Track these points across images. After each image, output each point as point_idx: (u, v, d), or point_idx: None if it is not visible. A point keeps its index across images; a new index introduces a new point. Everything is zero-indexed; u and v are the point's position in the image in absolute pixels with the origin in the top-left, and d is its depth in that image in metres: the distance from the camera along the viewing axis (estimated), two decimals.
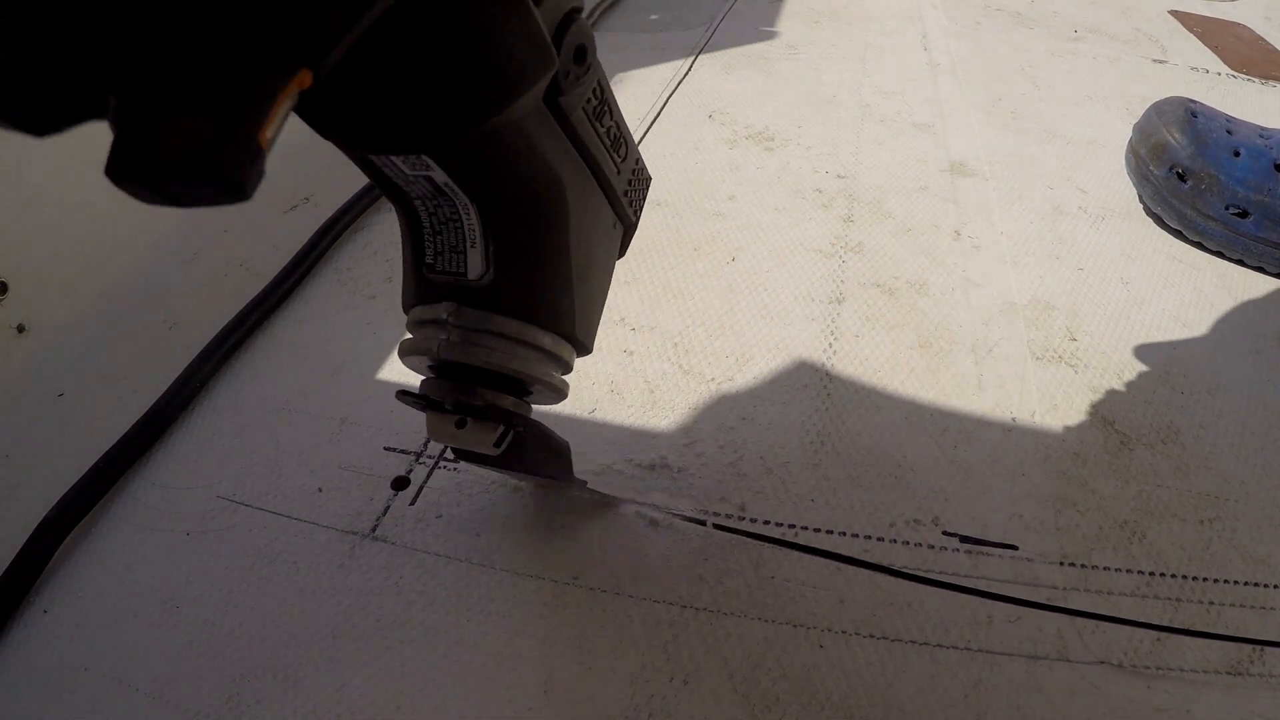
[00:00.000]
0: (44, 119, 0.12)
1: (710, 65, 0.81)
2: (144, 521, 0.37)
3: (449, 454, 0.39)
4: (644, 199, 0.28)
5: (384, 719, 0.30)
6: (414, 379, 0.44)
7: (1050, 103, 0.76)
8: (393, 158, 0.20)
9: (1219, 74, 0.86)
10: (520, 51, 0.18)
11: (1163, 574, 0.36)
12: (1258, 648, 0.33)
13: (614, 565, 0.35)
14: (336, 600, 0.33)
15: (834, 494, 0.38)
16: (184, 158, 0.12)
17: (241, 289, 0.49)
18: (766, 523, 0.37)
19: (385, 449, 0.40)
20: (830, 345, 0.47)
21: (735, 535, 0.36)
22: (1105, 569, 0.36)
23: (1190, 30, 0.97)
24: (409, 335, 0.25)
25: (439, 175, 0.20)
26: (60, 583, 0.35)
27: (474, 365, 0.24)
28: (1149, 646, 0.33)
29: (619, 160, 0.25)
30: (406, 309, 0.25)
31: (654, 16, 0.92)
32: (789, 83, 0.78)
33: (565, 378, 0.27)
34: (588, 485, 0.36)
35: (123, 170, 0.12)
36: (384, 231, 0.56)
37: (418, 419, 0.41)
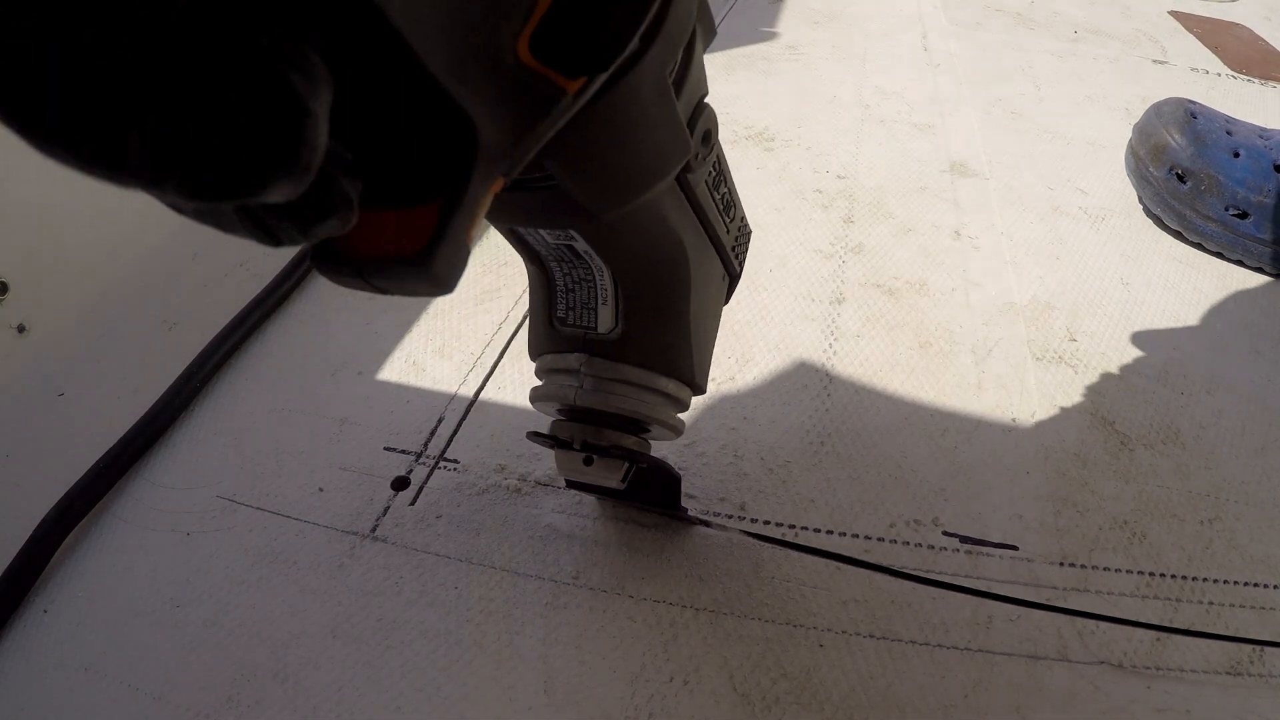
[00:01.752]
0: (310, 221, 0.13)
1: (710, 65, 0.80)
2: (144, 521, 0.37)
3: (449, 454, 0.39)
4: (747, 251, 0.30)
5: (384, 719, 0.30)
6: (422, 384, 0.44)
7: (1050, 103, 0.76)
8: (540, 230, 0.22)
9: (1219, 74, 0.86)
10: (665, 144, 0.20)
11: (1163, 574, 0.36)
12: (1258, 648, 0.33)
13: (614, 565, 0.35)
14: (336, 600, 0.33)
15: (834, 494, 0.38)
16: (412, 254, 0.13)
17: (241, 289, 0.49)
18: (767, 523, 0.37)
19: (385, 449, 0.40)
20: (830, 345, 0.47)
21: (736, 535, 0.36)
22: (1105, 569, 0.36)
23: (1190, 30, 0.97)
24: (540, 382, 0.28)
25: (581, 245, 0.22)
26: (60, 583, 0.35)
27: (604, 410, 0.26)
28: (1149, 646, 0.33)
29: (729, 221, 0.27)
30: (534, 356, 0.28)
31: None
32: (789, 83, 0.78)
33: (680, 416, 0.30)
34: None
35: (333, 261, 0.14)
36: None
37: (418, 419, 0.42)
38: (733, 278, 0.30)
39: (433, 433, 0.41)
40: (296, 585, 0.34)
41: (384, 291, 0.14)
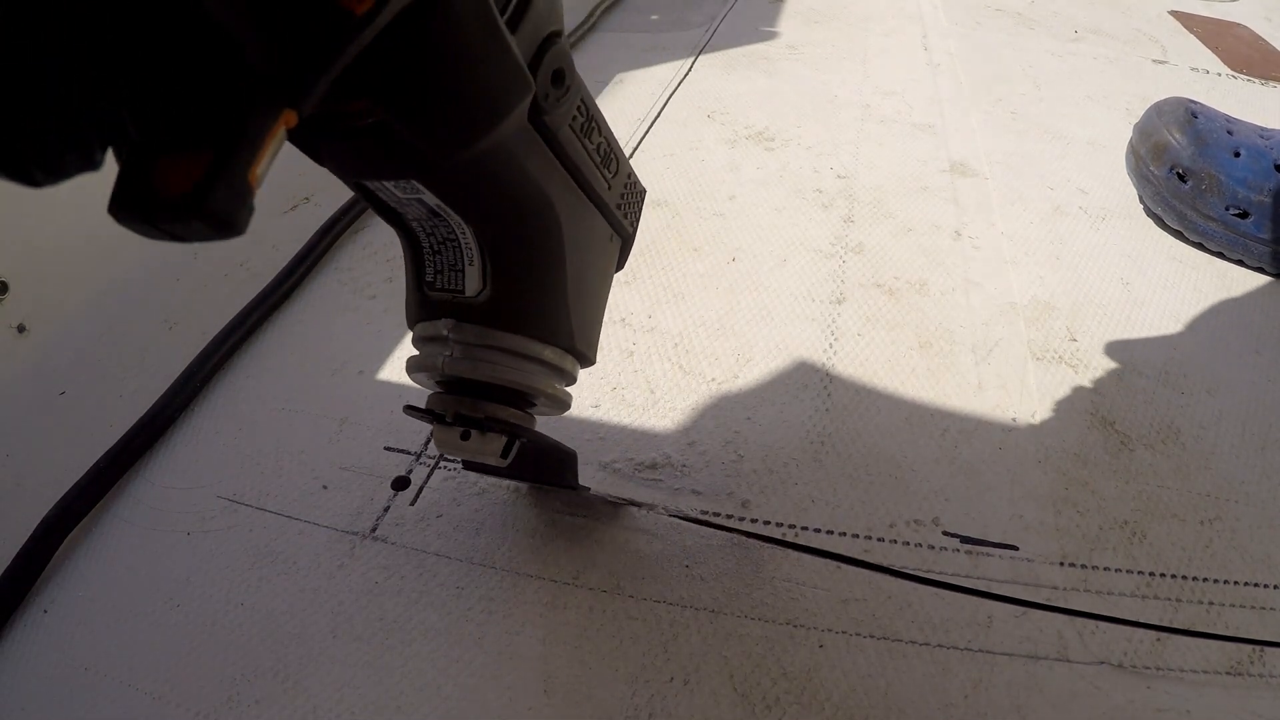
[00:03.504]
0: (47, 166, 0.12)
1: (710, 65, 0.81)
2: (144, 521, 0.37)
3: (449, 455, 0.39)
4: (640, 211, 0.29)
5: (384, 719, 0.30)
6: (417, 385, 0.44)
7: (1050, 103, 0.76)
8: (385, 183, 0.21)
9: (1219, 74, 0.86)
10: (496, 80, 0.18)
11: (1163, 574, 0.36)
12: (1258, 648, 0.33)
13: (614, 565, 0.35)
14: (336, 600, 0.33)
15: (834, 494, 0.38)
16: (179, 196, 0.13)
17: (241, 289, 0.49)
18: (767, 523, 0.37)
19: (385, 449, 0.40)
20: (831, 345, 0.47)
21: (735, 535, 0.36)
22: (1105, 569, 0.36)
23: (1190, 30, 0.97)
24: (415, 352, 0.26)
25: (430, 198, 0.21)
26: (61, 582, 0.35)
27: (477, 380, 0.25)
28: (1149, 647, 0.33)
29: (610, 175, 0.26)
30: (410, 325, 0.26)
31: (654, 16, 0.92)
32: (789, 83, 0.78)
33: (568, 389, 0.28)
34: (591, 490, 0.37)
35: (122, 206, 0.13)
36: (384, 232, 0.56)
37: (418, 420, 0.42)
38: (624, 239, 0.28)
39: (433, 433, 0.41)
40: (297, 585, 0.34)
41: (177, 237, 0.14)
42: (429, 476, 0.38)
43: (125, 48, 0.12)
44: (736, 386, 0.44)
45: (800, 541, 0.36)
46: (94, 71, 0.12)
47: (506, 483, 0.38)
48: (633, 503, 0.37)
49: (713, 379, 0.44)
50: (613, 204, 0.26)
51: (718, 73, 0.79)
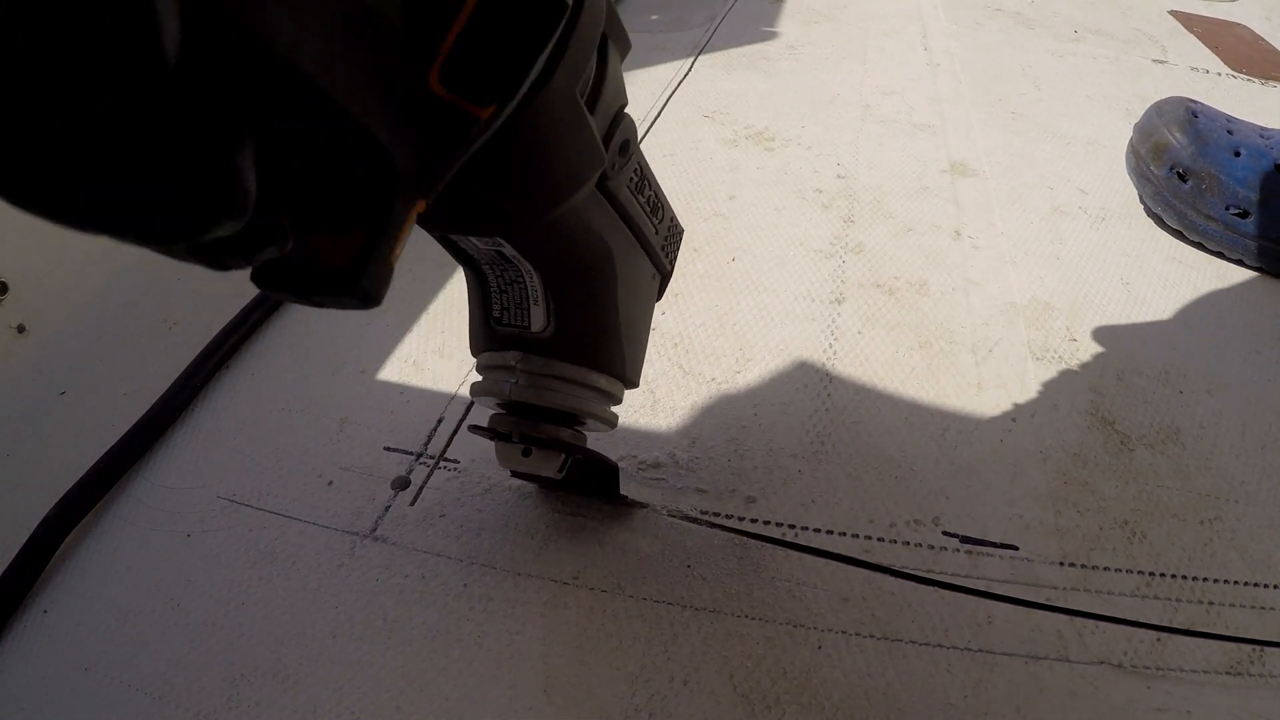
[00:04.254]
0: (251, 250, 0.15)
1: (710, 65, 0.81)
2: (145, 521, 0.37)
3: (449, 454, 0.39)
4: (678, 249, 0.32)
5: (384, 718, 0.30)
6: (422, 384, 0.44)
7: (1050, 103, 0.76)
8: (470, 238, 0.24)
9: (1219, 74, 0.86)
10: (578, 157, 0.21)
11: (1163, 574, 0.36)
12: (1258, 648, 0.33)
13: (614, 565, 0.35)
14: (337, 600, 0.33)
15: (834, 494, 0.38)
16: (337, 271, 0.15)
17: (241, 289, 0.49)
18: (767, 523, 0.37)
19: (385, 449, 0.40)
20: (830, 345, 0.47)
21: (736, 535, 0.36)
22: (1105, 569, 0.36)
23: (1190, 30, 0.97)
24: (479, 378, 0.29)
25: (509, 250, 0.24)
26: (61, 583, 0.35)
27: (540, 405, 0.28)
28: (1149, 646, 0.33)
29: (657, 222, 0.29)
30: (475, 353, 0.29)
31: (654, 17, 0.92)
32: (789, 83, 0.78)
33: (614, 409, 0.31)
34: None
35: (273, 279, 0.15)
36: None
37: (418, 419, 0.42)
38: (664, 276, 0.31)
39: (433, 433, 0.41)
40: (297, 585, 0.34)
41: (320, 305, 0.16)
42: (429, 476, 0.38)
43: (300, 152, 0.14)
44: (737, 386, 0.44)
45: (800, 541, 0.36)
46: (275, 175, 0.14)
47: (508, 483, 0.38)
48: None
49: (713, 379, 0.44)
50: (658, 246, 0.29)
51: (718, 73, 0.79)
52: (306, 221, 0.15)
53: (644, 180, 0.27)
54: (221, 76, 0.12)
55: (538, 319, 0.26)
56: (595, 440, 0.40)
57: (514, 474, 0.35)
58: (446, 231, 0.24)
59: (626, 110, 0.24)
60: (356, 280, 0.15)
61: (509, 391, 0.27)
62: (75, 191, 0.10)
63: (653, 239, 0.29)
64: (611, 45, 0.22)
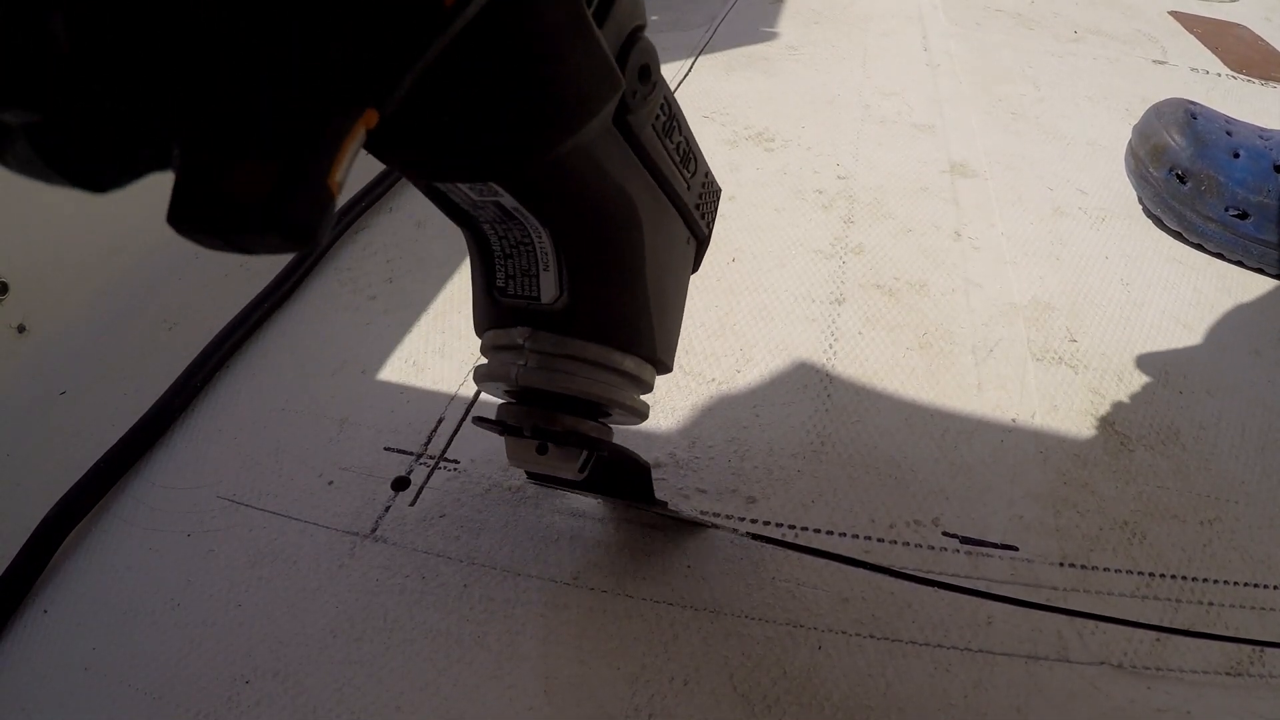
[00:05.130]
0: (106, 172, 0.11)
1: (710, 65, 0.81)
2: (144, 521, 0.37)
3: (449, 455, 0.39)
4: (716, 211, 0.27)
5: (384, 718, 0.30)
6: (422, 384, 0.44)
7: (1050, 103, 0.76)
8: (460, 185, 0.20)
9: (1219, 75, 0.86)
10: (586, 76, 0.17)
11: (1163, 574, 0.36)
12: (1258, 648, 0.33)
13: (614, 565, 0.35)
14: (337, 600, 0.33)
15: (834, 495, 0.38)
16: (250, 205, 0.12)
17: (241, 289, 0.49)
18: (767, 523, 0.37)
19: (385, 449, 0.40)
20: (831, 346, 0.47)
21: (736, 535, 0.36)
22: (1105, 570, 0.36)
23: (1190, 31, 0.97)
24: (484, 360, 0.25)
25: (508, 200, 0.20)
26: (60, 583, 0.35)
27: (553, 391, 0.23)
28: (1149, 647, 0.33)
29: (689, 175, 0.25)
30: (479, 333, 0.25)
31: (654, 17, 0.92)
32: (789, 83, 0.78)
33: (644, 398, 0.27)
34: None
35: (185, 218, 0.12)
36: (385, 231, 0.56)
37: (418, 419, 0.42)
38: (699, 241, 0.27)
39: (433, 433, 0.41)
40: (297, 585, 0.34)
41: (246, 250, 0.12)
42: (429, 476, 0.38)
43: (190, 35, 0.11)
44: (737, 387, 0.44)
45: (800, 541, 0.36)
46: (154, 62, 0.11)
47: (507, 483, 0.38)
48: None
49: (713, 379, 0.44)
50: (691, 205, 0.25)
51: (718, 73, 0.79)
52: (219, 144, 0.12)
53: (673, 121, 0.23)
54: None
55: (548, 288, 0.22)
56: None
57: (531, 476, 0.31)
58: (431, 178, 0.20)
59: (644, 33, 0.20)
60: (279, 209, 0.11)
61: (516, 375, 0.23)
62: None
63: (684, 195, 0.24)
64: None
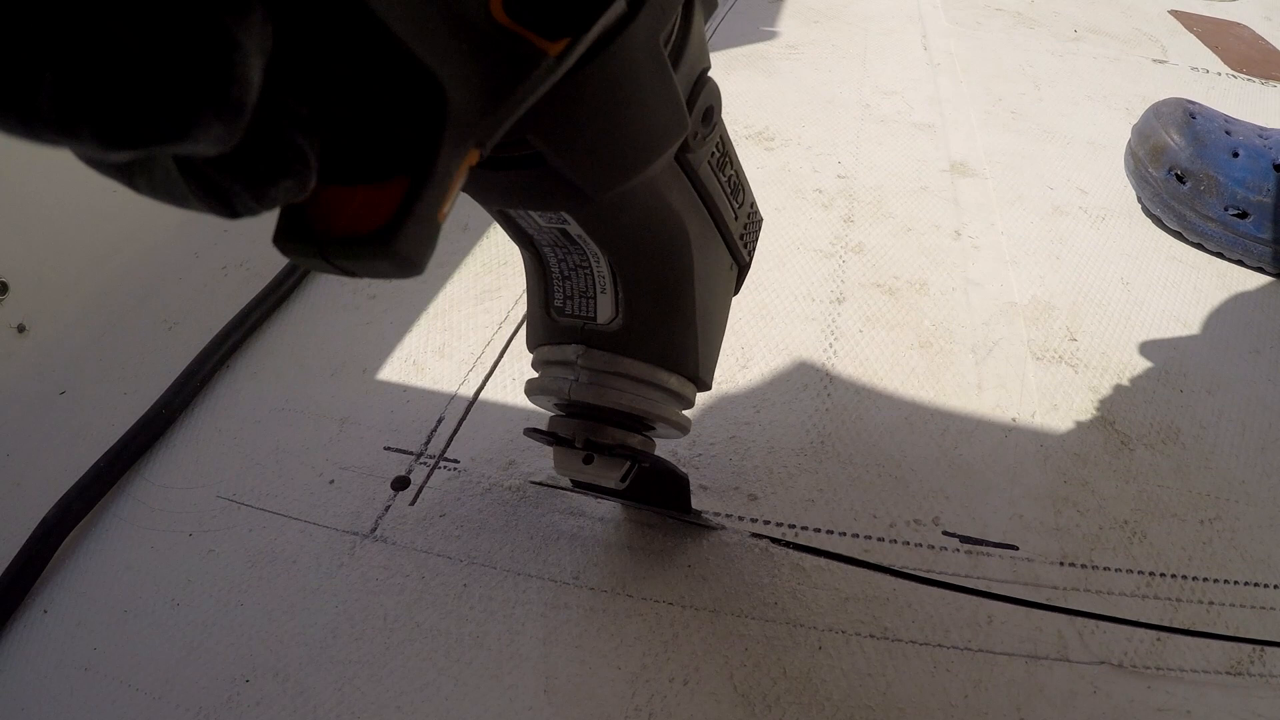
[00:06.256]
0: (242, 198, 0.12)
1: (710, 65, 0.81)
2: (145, 521, 0.37)
3: (449, 454, 0.39)
4: (757, 239, 0.29)
5: (384, 718, 0.30)
6: (422, 384, 0.44)
7: (1050, 103, 0.76)
8: (530, 212, 0.21)
9: (1219, 74, 0.86)
10: (660, 119, 0.18)
11: (1163, 574, 0.36)
12: (1258, 648, 0.33)
13: (614, 565, 0.35)
14: (337, 600, 0.33)
15: (834, 494, 0.38)
16: (367, 233, 0.12)
17: (241, 289, 0.49)
18: (767, 522, 0.37)
19: (385, 449, 0.40)
20: (831, 345, 0.47)
21: (736, 535, 0.36)
22: (1105, 569, 0.36)
23: (1190, 30, 0.97)
24: (536, 374, 0.26)
25: (574, 228, 0.21)
26: (61, 582, 0.35)
27: (603, 406, 0.25)
28: (1149, 646, 0.33)
29: (737, 206, 0.26)
30: (532, 348, 0.26)
31: None
32: (789, 82, 0.78)
33: (686, 413, 0.28)
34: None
35: (293, 238, 0.12)
36: None
37: (418, 418, 0.42)
38: (741, 267, 0.28)
39: (433, 433, 0.41)
40: (297, 585, 0.34)
41: (349, 273, 0.13)
42: (429, 476, 0.38)
43: (323, 74, 0.12)
44: (738, 386, 0.44)
45: (800, 541, 0.36)
46: (292, 96, 0.11)
47: (507, 483, 0.38)
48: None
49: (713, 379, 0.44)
50: (736, 234, 0.26)
51: (718, 73, 0.78)
52: (340, 168, 0.13)
53: (726, 157, 0.24)
54: None
55: (605, 309, 0.23)
56: None
57: (575, 484, 0.33)
58: (505, 205, 0.21)
59: (710, 74, 0.21)
60: (392, 238, 0.12)
61: (569, 390, 0.24)
62: (26, 75, 0.08)
63: (732, 225, 0.26)
64: (697, 1, 0.20)
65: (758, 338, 0.47)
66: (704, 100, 0.21)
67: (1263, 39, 0.97)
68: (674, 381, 0.26)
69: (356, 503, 0.37)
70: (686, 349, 0.25)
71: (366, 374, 0.45)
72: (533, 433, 0.27)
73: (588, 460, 0.26)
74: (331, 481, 0.38)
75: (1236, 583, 0.36)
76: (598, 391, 0.24)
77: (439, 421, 0.41)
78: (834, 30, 0.91)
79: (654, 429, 0.28)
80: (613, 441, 0.26)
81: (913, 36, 0.90)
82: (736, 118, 0.71)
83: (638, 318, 0.24)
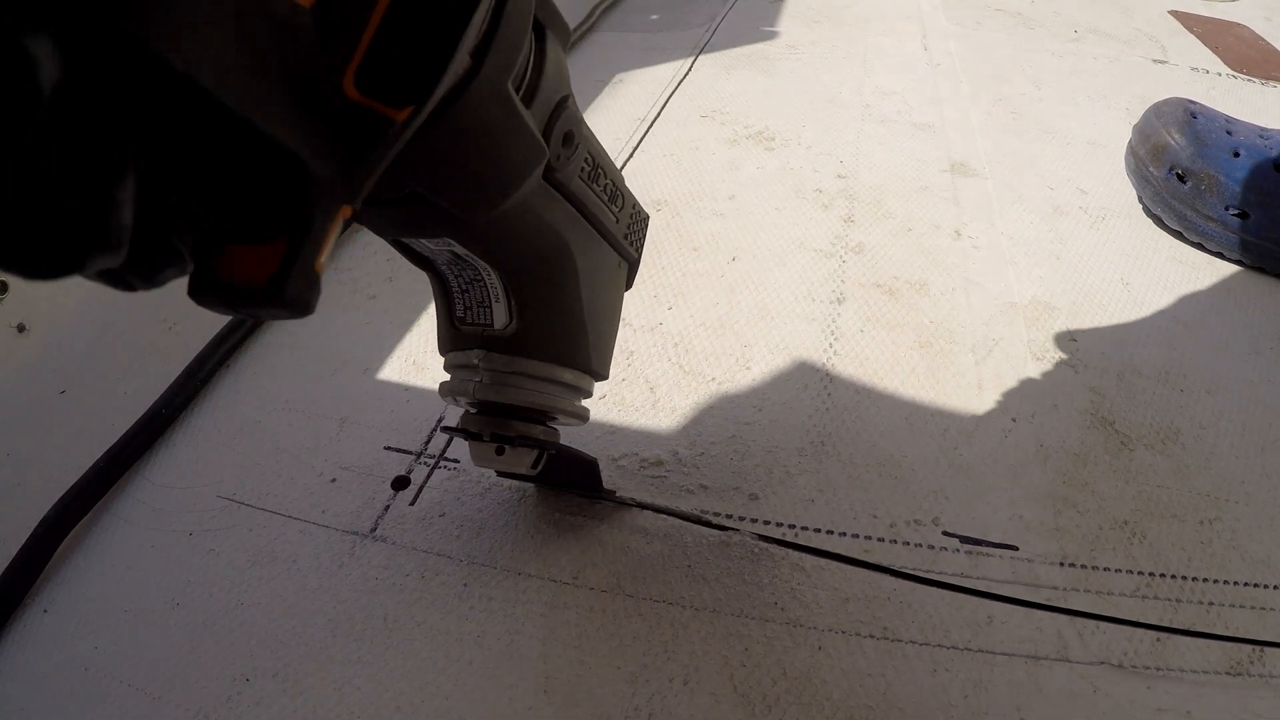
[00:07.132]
0: (149, 274, 0.15)
1: (710, 65, 0.81)
2: (144, 521, 0.37)
3: (449, 454, 0.39)
4: (644, 236, 0.31)
5: (384, 718, 0.30)
6: (422, 384, 0.44)
7: (1050, 103, 0.76)
8: (421, 239, 0.24)
9: (1219, 74, 0.86)
10: (516, 153, 0.21)
11: (1163, 574, 0.36)
12: (1258, 648, 0.33)
13: (614, 565, 0.35)
14: (337, 599, 0.33)
15: (834, 494, 0.38)
16: (258, 286, 0.15)
17: None
18: (767, 523, 0.37)
19: (385, 449, 0.40)
20: (831, 345, 0.47)
21: (736, 535, 0.36)
22: (1105, 569, 0.36)
23: (1190, 30, 0.97)
24: (447, 377, 0.29)
25: (460, 250, 0.24)
26: (61, 582, 0.35)
27: (505, 402, 0.27)
28: (1149, 647, 0.33)
29: (616, 210, 0.28)
30: (442, 354, 0.29)
31: (654, 16, 0.92)
32: (789, 82, 0.78)
33: (585, 403, 0.31)
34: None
35: (203, 292, 0.15)
36: None
37: (418, 418, 0.42)
38: (630, 263, 0.31)
39: (433, 432, 0.41)
40: (297, 585, 0.34)
41: (254, 317, 0.16)
42: (429, 476, 0.38)
43: (204, 167, 0.14)
44: (737, 386, 0.44)
45: (800, 541, 0.36)
46: (173, 193, 0.14)
47: (508, 483, 0.38)
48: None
49: (713, 379, 0.44)
50: (620, 235, 0.29)
51: (718, 73, 0.79)
52: (227, 233, 0.15)
53: (598, 169, 0.26)
54: (105, 105, 0.12)
55: (500, 316, 0.26)
56: (597, 439, 0.40)
57: (499, 473, 0.36)
58: (398, 235, 0.24)
59: (570, 99, 0.23)
60: (280, 290, 0.15)
61: (473, 391, 0.27)
62: None
63: (614, 228, 0.28)
64: (550, 33, 0.22)
65: (758, 338, 0.47)
66: (562, 125, 0.23)
67: (1263, 39, 0.97)
68: (569, 376, 0.28)
69: (356, 502, 0.37)
70: (578, 345, 0.28)
71: (366, 374, 0.45)
72: (449, 430, 0.30)
73: (499, 451, 0.29)
74: (332, 481, 0.38)
75: (1236, 583, 0.36)
76: (499, 390, 0.27)
77: (439, 421, 0.42)
78: (834, 30, 0.91)
79: (555, 419, 0.30)
80: (516, 434, 0.28)
81: (913, 36, 0.90)
82: (736, 117, 0.71)
83: (530, 321, 0.26)
